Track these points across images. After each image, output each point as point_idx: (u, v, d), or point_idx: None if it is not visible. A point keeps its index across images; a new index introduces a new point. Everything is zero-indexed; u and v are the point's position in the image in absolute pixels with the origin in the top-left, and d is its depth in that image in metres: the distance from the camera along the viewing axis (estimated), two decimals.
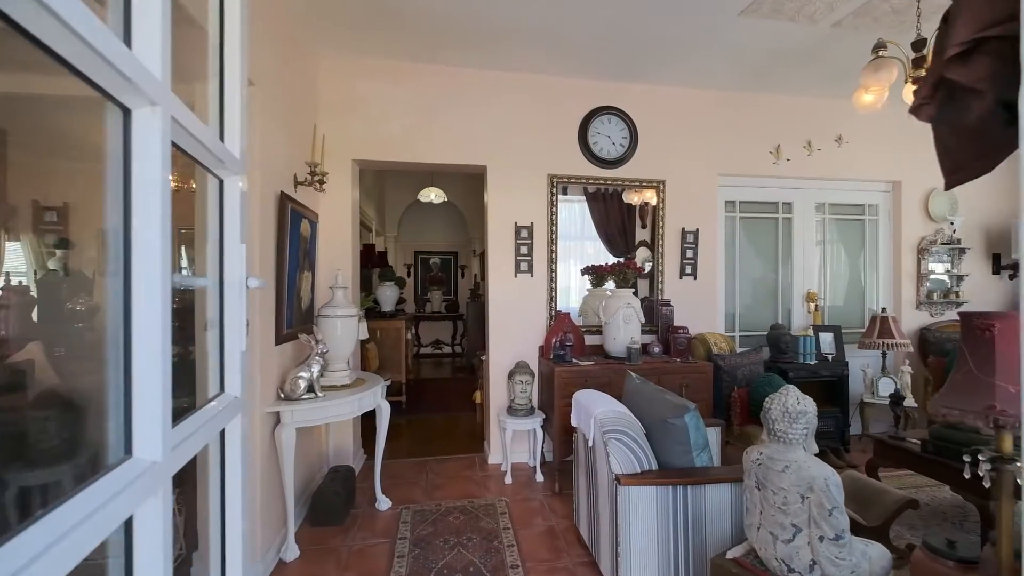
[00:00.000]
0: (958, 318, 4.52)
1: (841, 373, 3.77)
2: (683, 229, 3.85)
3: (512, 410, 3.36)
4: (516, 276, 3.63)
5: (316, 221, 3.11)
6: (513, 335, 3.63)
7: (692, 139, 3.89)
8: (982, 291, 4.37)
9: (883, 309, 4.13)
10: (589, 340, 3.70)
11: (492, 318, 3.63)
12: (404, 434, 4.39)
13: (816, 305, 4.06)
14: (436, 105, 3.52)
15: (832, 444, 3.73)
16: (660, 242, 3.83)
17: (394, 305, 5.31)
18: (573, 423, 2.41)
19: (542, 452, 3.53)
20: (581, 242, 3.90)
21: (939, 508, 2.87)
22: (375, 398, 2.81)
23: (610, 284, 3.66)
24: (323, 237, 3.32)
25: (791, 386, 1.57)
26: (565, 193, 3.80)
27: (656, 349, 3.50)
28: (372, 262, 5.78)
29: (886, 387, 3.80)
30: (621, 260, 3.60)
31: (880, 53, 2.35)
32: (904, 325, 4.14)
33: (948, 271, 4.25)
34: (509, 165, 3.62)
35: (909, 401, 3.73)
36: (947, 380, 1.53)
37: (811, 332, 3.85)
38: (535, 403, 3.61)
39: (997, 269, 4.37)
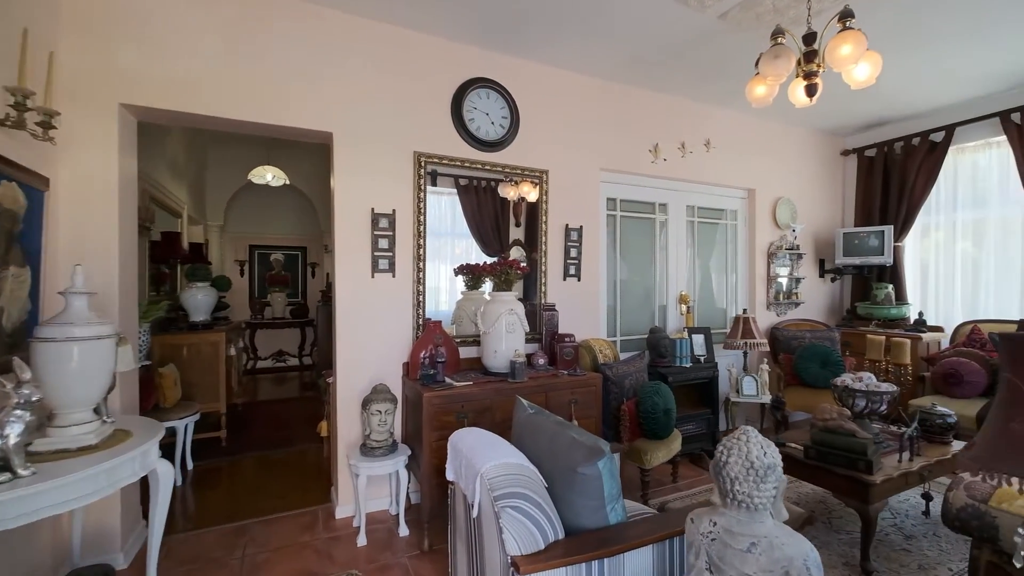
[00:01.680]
0: (802, 317, 5.14)
1: (712, 374, 3.79)
2: (567, 226, 3.49)
3: (368, 449, 2.61)
4: (374, 277, 2.88)
5: (43, 190, 1.99)
6: (369, 351, 2.87)
7: (576, 129, 3.56)
8: (813, 292, 4.87)
9: (744, 310, 4.31)
10: (465, 352, 3.11)
11: (341, 330, 2.82)
12: (220, 485, 3.30)
13: (688, 307, 4.06)
14: (260, 41, 2.60)
15: (705, 446, 3.72)
16: (543, 239, 3.41)
17: (210, 313, 4.08)
18: (449, 476, 1.79)
19: (407, 495, 2.85)
20: (452, 239, 3.30)
21: (827, 516, 2.90)
22: (144, 462, 1.84)
23: (488, 286, 3.12)
24: (65, 217, 2.18)
25: (750, 429, 1.17)
26: (434, 183, 3.17)
27: (541, 361, 3.06)
28: (180, 257, 4.42)
29: (749, 386, 3.92)
30: (501, 258, 3.09)
31: (779, 40, 2.19)
32: (759, 325, 4.37)
33: (789, 274, 4.62)
34: (364, 136, 2.85)
35: (766, 398, 3.89)
36: (985, 428, 1.26)
37: (686, 334, 3.80)
38: (399, 435, 2.90)
39: (823, 273, 4.91)
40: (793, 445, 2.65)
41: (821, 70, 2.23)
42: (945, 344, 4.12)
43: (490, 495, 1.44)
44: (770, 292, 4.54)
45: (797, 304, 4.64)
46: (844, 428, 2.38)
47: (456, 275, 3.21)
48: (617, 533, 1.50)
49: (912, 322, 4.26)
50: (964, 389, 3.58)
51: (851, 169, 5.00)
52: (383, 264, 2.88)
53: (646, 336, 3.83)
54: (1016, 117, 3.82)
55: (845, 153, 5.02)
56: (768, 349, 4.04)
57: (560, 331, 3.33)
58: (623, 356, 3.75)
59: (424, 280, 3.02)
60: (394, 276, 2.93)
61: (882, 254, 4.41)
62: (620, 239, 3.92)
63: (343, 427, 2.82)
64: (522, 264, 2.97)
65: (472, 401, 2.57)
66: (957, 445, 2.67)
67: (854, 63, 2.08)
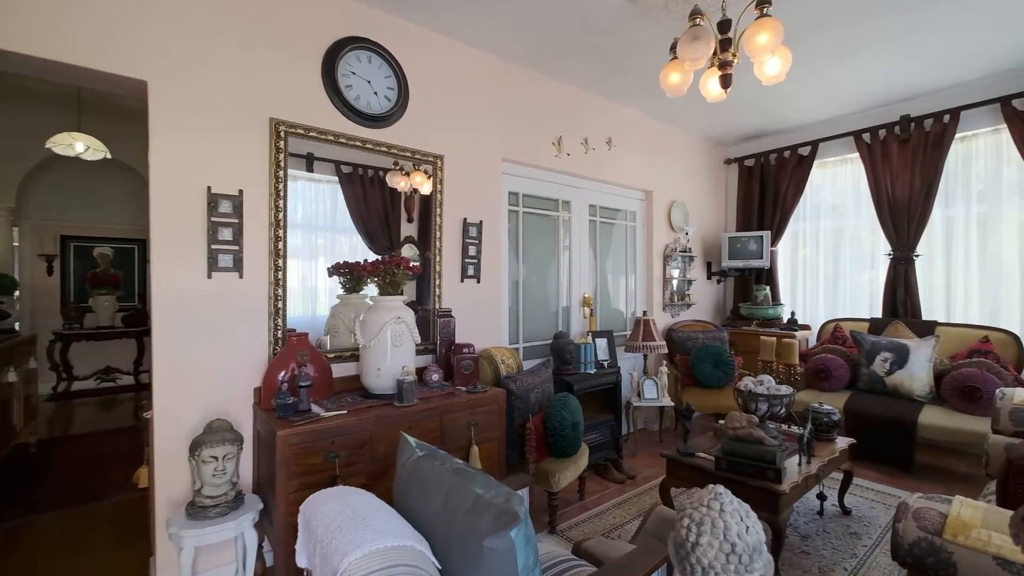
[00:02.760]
0: (694, 318, 5.24)
1: (616, 380, 3.65)
2: (465, 220, 3.07)
3: (197, 509, 1.93)
4: (211, 276, 2.19)
5: None
6: (204, 374, 2.17)
7: (476, 112, 3.16)
8: (703, 294, 5.04)
9: (644, 312, 4.26)
10: (342, 370, 2.54)
11: (161, 347, 2.08)
12: None
13: (591, 310, 3.89)
14: None
15: (609, 454, 3.56)
16: (437, 235, 2.95)
17: None
18: (301, 563, 1.26)
19: (259, 551, 2.20)
20: (333, 234, 2.72)
21: None
22: None
23: (372, 289, 2.58)
24: None
25: (722, 492, 0.86)
26: (310, 169, 2.57)
27: (435, 377, 2.60)
28: None
29: (650, 389, 3.86)
30: (388, 256, 2.57)
31: (697, 21, 2.01)
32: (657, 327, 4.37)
33: (682, 276, 4.71)
34: (196, 90, 2.15)
35: (666, 401, 3.86)
36: None
37: (590, 339, 3.61)
38: (248, 483, 2.25)
39: (710, 275, 5.11)
40: (703, 455, 2.53)
41: (736, 60, 2.10)
42: (813, 342, 4.48)
43: None
44: (666, 294, 4.59)
45: (689, 305, 4.76)
46: (754, 436, 2.29)
47: (330, 276, 2.63)
48: None
49: (786, 321, 4.57)
50: (832, 383, 3.86)
51: (733, 177, 5.29)
52: (225, 261, 2.20)
53: (550, 342, 3.57)
54: (867, 137, 4.26)
55: (728, 162, 5.30)
56: (667, 351, 4.02)
57: (457, 340, 2.90)
58: (527, 365, 3.44)
59: (285, 282, 2.39)
60: (241, 276, 2.26)
61: (761, 258, 4.68)
62: (523, 237, 3.61)
63: (163, 479, 2.09)
64: (413, 263, 2.49)
65: (346, 435, 2.03)
66: (842, 442, 2.76)
67: (771, 52, 1.96)
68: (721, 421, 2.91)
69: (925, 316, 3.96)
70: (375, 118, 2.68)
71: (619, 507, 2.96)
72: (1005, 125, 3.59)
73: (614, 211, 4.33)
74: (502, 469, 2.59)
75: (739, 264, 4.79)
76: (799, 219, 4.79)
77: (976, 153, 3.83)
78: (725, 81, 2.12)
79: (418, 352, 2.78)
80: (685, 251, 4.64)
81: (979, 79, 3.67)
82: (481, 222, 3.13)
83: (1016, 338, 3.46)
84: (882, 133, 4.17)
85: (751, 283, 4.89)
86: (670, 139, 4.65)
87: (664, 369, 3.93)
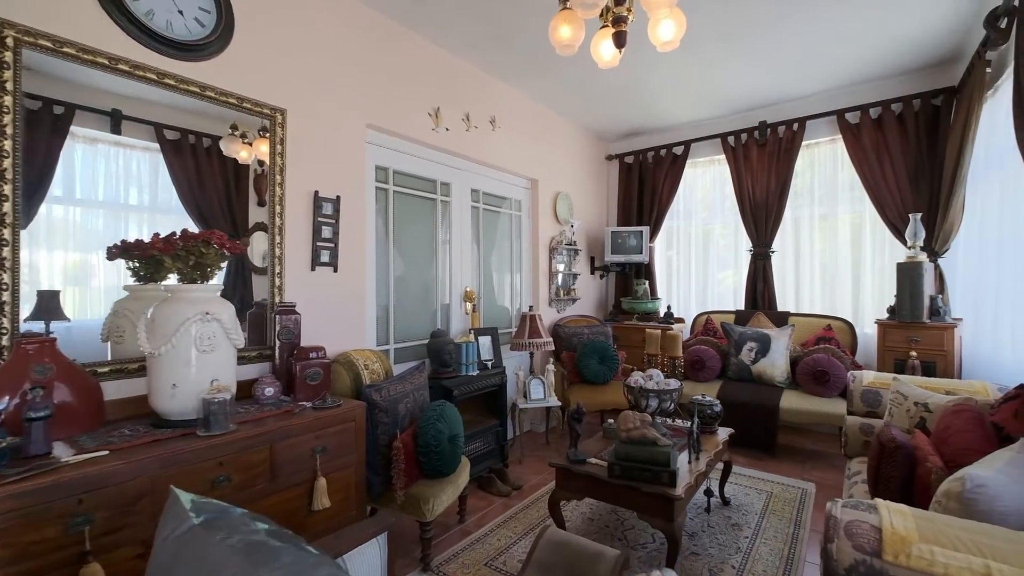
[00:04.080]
0: (579, 313, 5.09)
1: (501, 381, 3.32)
2: (317, 194, 2.48)
3: None
4: None
5: None
6: None
7: (331, 62, 2.58)
8: (587, 288, 4.97)
9: (530, 307, 4.00)
10: (126, 389, 1.81)
11: None
12: None
13: (474, 305, 3.51)
14: None
15: (494, 464, 3.22)
16: (278, 210, 2.32)
17: None
18: None
19: None
20: (153, 216, 1.99)
21: (621, 531, 2.61)
22: None
23: (174, 278, 1.89)
24: None
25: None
26: (118, 131, 1.82)
27: (270, 391, 2.00)
28: None
29: (537, 389, 3.60)
30: (194, 231, 1.89)
31: None
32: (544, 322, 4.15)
33: (567, 270, 4.57)
34: None
35: (553, 400, 3.64)
36: None
37: (472, 337, 3.23)
38: None
39: (593, 270, 5.08)
40: (595, 460, 2.28)
41: (631, 16, 1.87)
42: (687, 334, 4.63)
43: None
44: (552, 288, 4.40)
45: (575, 300, 4.64)
46: (648, 437, 2.09)
47: (111, 259, 1.88)
48: None
49: (663, 315, 4.67)
50: (706, 373, 3.98)
51: (615, 173, 5.33)
52: None
53: (426, 342, 3.12)
54: (732, 140, 4.51)
55: (609, 158, 5.33)
56: (553, 348, 3.81)
57: (304, 343, 2.31)
58: (398, 369, 2.94)
59: (17, 268, 1.61)
60: None
61: (641, 253, 4.74)
62: (395, 222, 3.10)
63: None
64: (233, 241, 1.86)
65: (107, 487, 1.36)
66: (723, 433, 2.74)
67: (668, 8, 1.75)
68: (611, 420, 2.72)
69: (780, 307, 4.29)
70: (180, 46, 1.98)
71: (505, 525, 2.61)
72: (840, 136, 4.00)
73: (500, 199, 4.01)
74: (360, 503, 2.08)
75: (621, 259, 4.80)
76: (674, 216, 4.96)
77: (819, 159, 4.24)
78: (619, 40, 1.88)
79: (248, 360, 2.14)
80: (571, 244, 4.51)
81: (820, 92, 4.05)
82: (339, 197, 2.57)
83: (851, 325, 3.85)
84: (744, 137, 4.45)
85: (632, 278, 4.94)
86: (557, 129, 4.49)
87: (551, 367, 3.70)
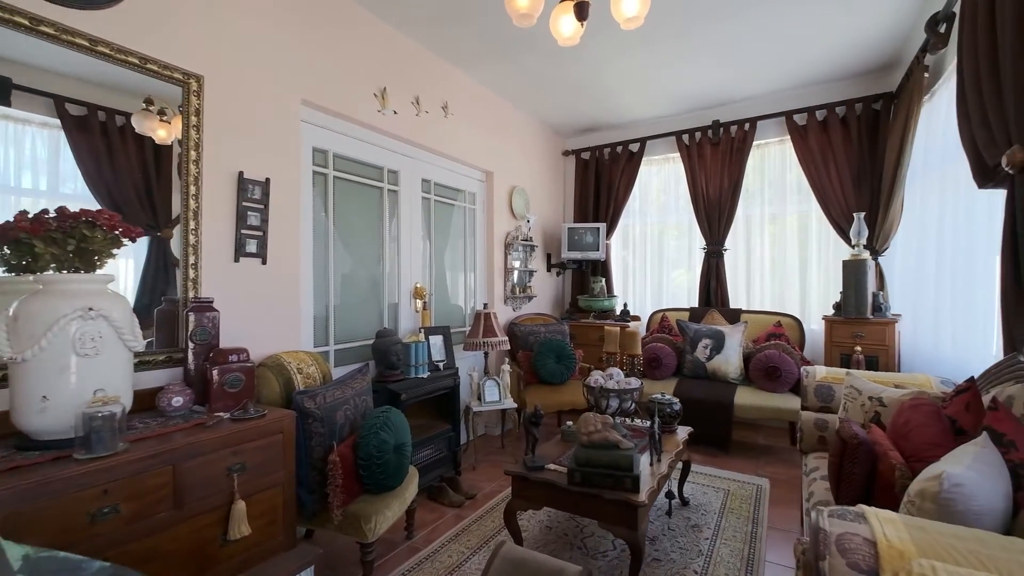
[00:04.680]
0: (535, 311, 4.95)
1: (453, 383, 3.11)
2: (241, 175, 2.18)
3: None
4: None
5: None
6: None
7: (261, 26, 2.29)
8: (544, 286, 4.85)
9: (484, 305, 3.82)
10: None
11: None
12: None
13: (424, 303, 3.29)
14: None
15: (446, 472, 3.01)
16: (193, 192, 2.01)
17: None
18: None
19: None
20: (52, 203, 1.62)
21: (580, 538, 2.47)
22: None
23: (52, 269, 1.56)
24: None
25: None
26: (7, 102, 1.47)
27: (179, 401, 1.71)
28: None
29: (491, 391, 3.42)
30: (75, 209, 1.56)
31: None
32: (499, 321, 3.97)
33: (523, 267, 4.42)
34: None
35: (509, 402, 3.47)
36: None
37: (422, 336, 3.01)
38: None
39: (550, 267, 4.96)
40: (554, 466, 2.13)
41: None
42: (643, 332, 4.60)
43: None
44: (507, 285, 4.23)
45: (531, 298, 4.50)
46: (609, 440, 1.96)
47: None
48: None
49: (619, 313, 4.62)
50: (662, 371, 3.94)
51: (571, 169, 5.24)
52: None
53: (372, 342, 2.86)
54: (686, 138, 4.53)
55: (566, 154, 5.24)
56: (509, 347, 3.64)
57: (224, 344, 2.01)
58: (339, 373, 2.67)
59: None
60: None
61: (597, 250, 4.66)
62: (336, 211, 2.83)
63: None
64: (128, 224, 1.55)
65: None
66: (682, 432, 2.67)
67: None
68: (569, 423, 2.59)
69: (733, 305, 4.33)
70: None
71: (457, 539, 2.41)
72: (788, 137, 4.08)
73: (453, 191, 3.80)
74: (290, 527, 1.82)
75: (578, 256, 4.71)
76: (630, 214, 4.93)
77: (769, 159, 4.32)
78: (581, 12, 1.74)
79: (154, 364, 1.83)
80: (527, 240, 4.36)
81: (770, 93, 4.13)
82: (268, 180, 2.28)
83: (799, 322, 3.94)
84: (698, 135, 4.47)
85: (588, 275, 4.86)
86: (513, 121, 4.33)
87: (506, 367, 3.54)
